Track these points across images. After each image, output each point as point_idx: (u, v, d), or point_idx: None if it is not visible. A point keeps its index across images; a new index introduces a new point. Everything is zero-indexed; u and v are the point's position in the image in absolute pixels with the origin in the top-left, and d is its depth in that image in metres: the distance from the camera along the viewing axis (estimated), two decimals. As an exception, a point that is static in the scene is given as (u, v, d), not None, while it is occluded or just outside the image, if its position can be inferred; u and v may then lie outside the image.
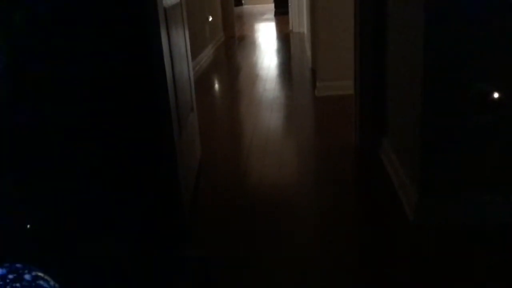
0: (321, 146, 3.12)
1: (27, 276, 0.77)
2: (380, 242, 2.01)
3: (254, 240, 2.08)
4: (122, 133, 1.91)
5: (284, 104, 4.17)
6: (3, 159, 1.66)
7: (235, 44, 7.73)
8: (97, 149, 1.90)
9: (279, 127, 3.59)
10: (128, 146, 1.94)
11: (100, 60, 1.86)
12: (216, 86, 5.22)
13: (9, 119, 1.68)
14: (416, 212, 2.07)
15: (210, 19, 6.67)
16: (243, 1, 13.40)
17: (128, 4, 1.85)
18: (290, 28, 8.57)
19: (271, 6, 11.78)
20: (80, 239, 1.63)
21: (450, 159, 2.01)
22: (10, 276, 0.77)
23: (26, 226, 1.54)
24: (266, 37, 8.40)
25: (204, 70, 5.72)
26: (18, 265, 0.77)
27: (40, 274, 0.79)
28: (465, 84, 1.89)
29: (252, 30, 9.26)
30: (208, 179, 2.73)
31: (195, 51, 5.23)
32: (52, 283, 0.79)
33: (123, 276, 1.02)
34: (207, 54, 6.36)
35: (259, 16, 11.40)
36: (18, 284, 0.79)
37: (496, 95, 1.86)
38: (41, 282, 0.79)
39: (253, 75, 5.31)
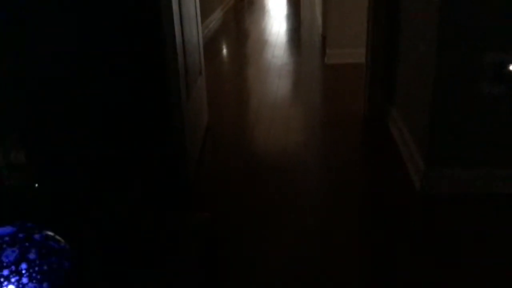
0: (329, 114, 3.10)
1: (37, 236, 0.77)
2: (386, 210, 2.01)
3: (256, 204, 2.09)
4: (132, 92, 1.90)
5: (293, 71, 4.13)
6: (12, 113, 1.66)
7: (244, 8, 7.61)
8: (108, 106, 1.90)
9: (287, 94, 3.56)
10: (138, 105, 1.93)
11: (112, 21, 1.83)
12: (225, 51, 5.16)
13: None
14: (422, 181, 2.07)
15: (220, -19, 6.55)
16: (253, -36, 13.12)
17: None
18: (301, -7, 8.40)
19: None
20: (88, 200, 1.64)
21: (459, 129, 1.99)
22: (20, 235, 0.77)
23: (34, 185, 1.55)
24: (276, 1, 8.25)
25: (213, 34, 5.65)
26: (28, 225, 0.78)
27: (50, 234, 0.79)
28: (480, 53, 1.85)
29: (262, -6, 9.09)
30: (215, 142, 2.73)
31: (204, 14, 5.15)
32: (62, 243, 0.79)
33: (128, 236, 1.02)
34: (215, 17, 6.27)
35: (269, -20, 11.17)
36: (27, 243, 0.79)
37: (508, 67, 1.82)
38: (51, 243, 0.79)
39: (262, 41, 5.24)
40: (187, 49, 2.28)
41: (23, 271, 0.79)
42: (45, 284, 0.81)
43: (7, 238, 0.75)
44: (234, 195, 2.17)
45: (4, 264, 0.77)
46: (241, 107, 3.36)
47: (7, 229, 0.76)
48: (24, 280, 0.79)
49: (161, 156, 1.97)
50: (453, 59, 1.89)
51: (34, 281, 0.80)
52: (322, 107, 3.29)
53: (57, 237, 0.79)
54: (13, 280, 0.79)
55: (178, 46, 2.03)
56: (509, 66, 1.77)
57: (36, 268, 0.79)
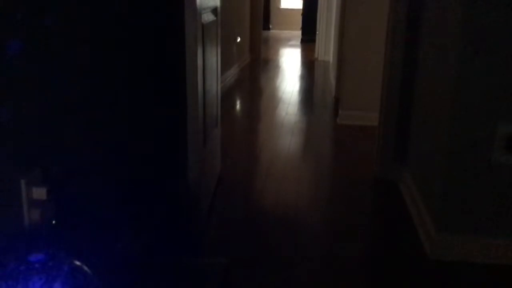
0: (340, 174, 3.13)
1: (65, 267, 0.79)
2: (395, 275, 2.00)
3: (262, 255, 2.08)
4: (153, 138, 1.95)
5: (305, 129, 4.20)
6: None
7: (259, 66, 7.82)
8: (128, 150, 1.94)
9: (299, 151, 3.61)
10: (157, 151, 1.97)
11: (138, 71, 1.91)
12: (239, 105, 5.27)
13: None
14: (433, 247, 2.07)
15: (239, 40, 6.77)
16: (270, 26, 13.56)
17: (169, 17, 1.91)
18: (316, 55, 8.64)
19: (298, 33, 11.90)
20: (102, 241, 1.66)
21: (471, 197, 2.01)
22: (50, 264, 0.79)
23: (52, 222, 1.57)
24: (290, 62, 8.47)
25: (228, 89, 5.79)
26: (61, 254, 0.80)
27: (79, 266, 0.81)
28: (493, 123, 1.90)
29: (277, 55, 9.36)
30: (226, 192, 2.75)
31: (222, 69, 5.31)
32: (89, 278, 0.81)
33: (145, 282, 1.04)
34: (232, 73, 6.43)
35: (285, 42, 11.52)
36: (54, 273, 0.81)
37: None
38: (79, 275, 0.81)
39: (276, 98, 5.36)
40: (207, 100, 2.35)
41: (46, 301, 0.80)
42: (64, 316, 0.82)
43: (37, 265, 0.78)
44: (242, 245, 2.17)
45: (30, 291, 0.78)
46: (253, 161, 3.41)
47: (39, 256, 0.79)
48: (45, 309, 0.81)
49: (175, 201, 2.00)
50: (467, 128, 1.93)
51: (54, 311, 0.81)
52: (333, 166, 3.32)
53: (85, 269, 0.81)
54: (35, 308, 0.80)
55: (199, 97, 2.10)
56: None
57: (58, 299, 0.81)
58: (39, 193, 1.57)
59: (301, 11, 11.26)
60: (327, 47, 8.07)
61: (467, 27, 1.84)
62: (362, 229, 2.38)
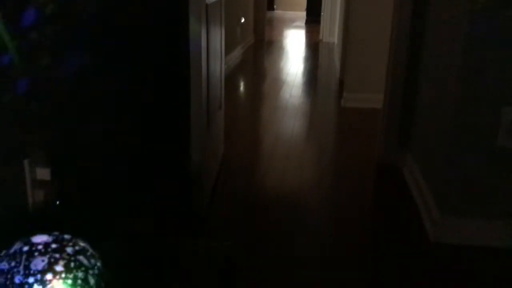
0: (344, 157, 3.12)
1: (69, 249, 0.79)
2: (398, 259, 2.01)
3: (263, 239, 2.09)
4: (156, 120, 1.95)
5: (309, 111, 4.18)
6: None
7: (263, 48, 7.77)
8: (131, 131, 1.94)
9: (303, 134, 3.60)
10: (160, 133, 1.97)
11: (141, 53, 1.90)
12: (242, 87, 5.25)
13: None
14: (436, 230, 2.07)
15: (243, 20, 6.71)
16: (275, 6, 13.44)
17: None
18: (320, 37, 8.58)
19: (303, 14, 11.80)
20: (104, 221, 1.66)
21: (474, 180, 2.00)
22: (53, 245, 0.79)
23: (56, 202, 1.58)
24: (295, 44, 8.41)
25: (232, 71, 5.76)
26: (66, 236, 0.80)
27: (85, 247, 0.81)
28: (498, 107, 1.88)
29: (281, 36, 9.29)
30: (229, 174, 2.75)
31: (225, 51, 5.27)
32: (93, 260, 0.81)
33: (146, 263, 1.04)
34: (236, 54, 6.39)
35: (289, 23, 11.42)
36: (57, 255, 0.81)
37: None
38: (81, 258, 0.81)
39: (280, 80, 5.33)
40: (211, 82, 2.34)
41: (47, 282, 0.81)
42: (66, 298, 0.82)
43: (40, 247, 0.78)
44: (246, 226, 2.18)
45: (32, 271, 0.79)
46: (256, 143, 3.40)
47: (43, 237, 0.79)
48: (47, 291, 0.81)
49: (178, 183, 2.00)
50: (472, 112, 1.92)
51: (56, 293, 0.82)
52: (336, 149, 3.31)
53: (91, 251, 0.81)
54: (36, 288, 0.80)
55: (203, 79, 2.09)
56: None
57: (61, 281, 0.81)
58: (43, 173, 1.58)
59: (306, -8, 11.14)
60: (332, 29, 8.00)
61: (476, 10, 1.82)
62: (364, 211, 2.39)
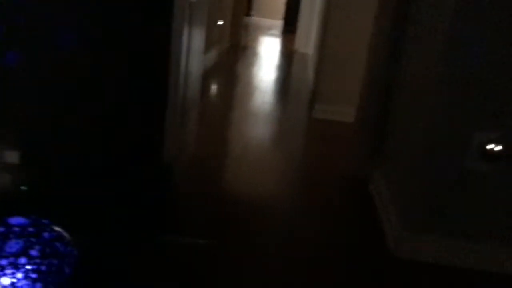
0: (311, 167, 3.15)
1: (46, 234, 0.78)
2: (359, 274, 2.03)
3: (231, 238, 2.09)
4: (132, 113, 1.93)
5: (280, 119, 4.21)
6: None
7: (239, 52, 7.78)
8: (105, 120, 1.91)
9: (273, 141, 3.62)
10: (135, 126, 1.95)
11: (122, 45, 1.88)
12: (216, 90, 5.24)
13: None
14: (398, 246, 2.11)
15: (220, 22, 6.70)
16: (252, 12, 13.47)
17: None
18: (295, 47, 8.65)
19: (279, 22, 11.88)
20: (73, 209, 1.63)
21: (440, 199, 2.06)
22: (30, 229, 0.78)
23: (21, 188, 1.54)
24: (270, 51, 8.46)
25: (206, 72, 5.74)
26: (44, 221, 0.78)
27: (62, 234, 0.80)
28: (469, 130, 1.95)
29: (257, 42, 9.32)
30: (198, 175, 2.74)
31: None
32: (70, 248, 0.80)
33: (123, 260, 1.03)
34: (211, 56, 6.38)
35: (266, 30, 11.47)
36: (34, 239, 0.80)
37: (495, 147, 1.92)
38: (58, 244, 0.79)
39: (253, 86, 5.35)
40: (189, 82, 2.34)
41: (21, 266, 0.79)
42: (38, 285, 0.80)
43: (16, 229, 0.76)
44: (210, 225, 2.18)
45: (5, 253, 0.77)
46: (227, 145, 3.40)
47: (20, 219, 0.77)
48: (19, 274, 0.79)
49: (150, 179, 1.99)
50: (443, 132, 1.98)
51: (28, 278, 0.80)
52: (305, 159, 3.35)
53: (67, 238, 0.79)
54: (8, 272, 0.78)
55: (181, 76, 2.08)
56: (493, 146, 1.86)
57: (35, 267, 0.80)
58: (12, 156, 1.54)
59: (284, 0, 11.22)
60: (307, 40, 8.09)
61: (453, 31, 1.88)
62: (326, 223, 2.41)
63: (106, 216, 1.68)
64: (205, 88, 5.01)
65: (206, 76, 5.58)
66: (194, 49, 2.41)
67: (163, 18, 1.95)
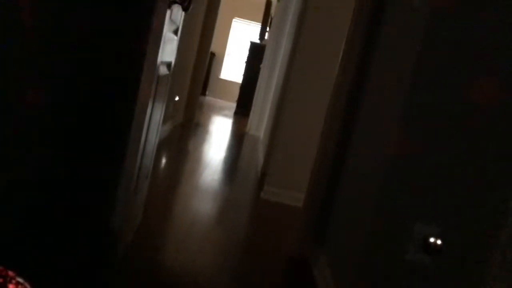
0: (256, 248, 3.16)
1: (11, 286, 0.77)
2: None
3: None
4: (88, 176, 1.92)
5: (228, 197, 4.24)
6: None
7: (191, 128, 7.89)
8: (59, 185, 1.89)
9: (220, 219, 3.62)
10: (88, 189, 1.94)
11: (87, 116, 1.91)
12: (167, 163, 5.25)
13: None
14: (339, 331, 2.12)
15: (177, 98, 6.84)
16: (207, 92, 13.82)
17: (124, 66, 1.94)
18: (247, 129, 8.87)
19: (233, 104, 12.21)
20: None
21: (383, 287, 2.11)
22: (-9, 280, 0.76)
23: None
24: (222, 131, 8.63)
25: (159, 145, 5.76)
26: (10, 272, 0.77)
27: (24, 285, 0.78)
28: (410, 221, 2.05)
29: (210, 121, 9.50)
30: (142, 245, 2.69)
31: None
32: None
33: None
34: (164, 130, 6.44)
35: (219, 110, 11.74)
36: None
37: (434, 240, 2.02)
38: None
39: (203, 163, 5.40)
40: (145, 151, 2.36)
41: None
42: None
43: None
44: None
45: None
46: (173, 220, 3.37)
47: (-17, 270, 0.76)
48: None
49: (98, 242, 1.94)
50: (386, 223, 2.07)
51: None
52: (250, 239, 3.36)
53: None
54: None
55: (140, 147, 2.11)
56: (434, 238, 1.96)
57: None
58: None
59: (239, 85, 11.62)
60: (259, 123, 8.33)
61: (399, 129, 2.03)
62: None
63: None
64: (157, 160, 5.02)
65: (159, 149, 5.59)
66: (154, 121, 2.46)
67: (131, 90, 1.99)
